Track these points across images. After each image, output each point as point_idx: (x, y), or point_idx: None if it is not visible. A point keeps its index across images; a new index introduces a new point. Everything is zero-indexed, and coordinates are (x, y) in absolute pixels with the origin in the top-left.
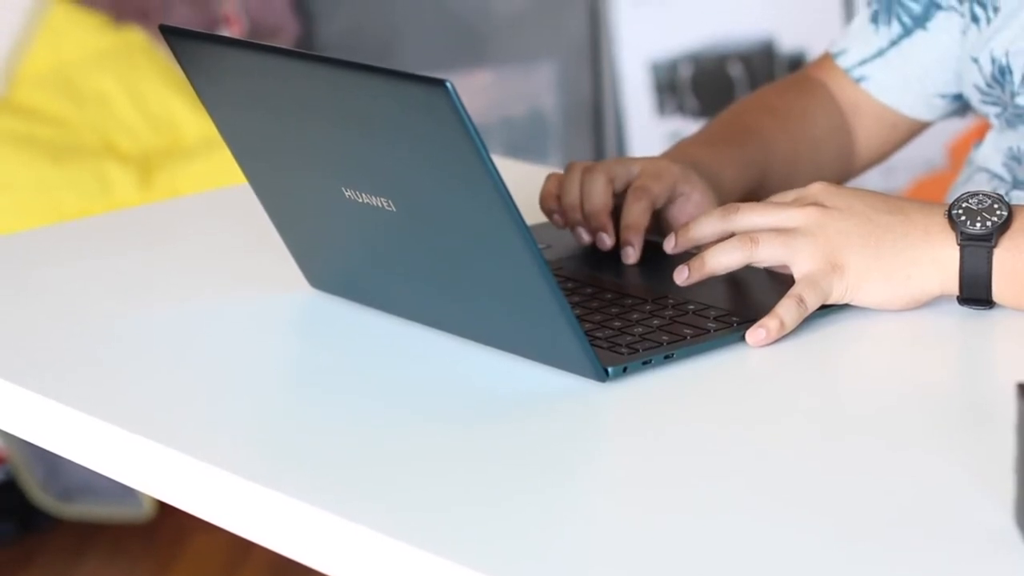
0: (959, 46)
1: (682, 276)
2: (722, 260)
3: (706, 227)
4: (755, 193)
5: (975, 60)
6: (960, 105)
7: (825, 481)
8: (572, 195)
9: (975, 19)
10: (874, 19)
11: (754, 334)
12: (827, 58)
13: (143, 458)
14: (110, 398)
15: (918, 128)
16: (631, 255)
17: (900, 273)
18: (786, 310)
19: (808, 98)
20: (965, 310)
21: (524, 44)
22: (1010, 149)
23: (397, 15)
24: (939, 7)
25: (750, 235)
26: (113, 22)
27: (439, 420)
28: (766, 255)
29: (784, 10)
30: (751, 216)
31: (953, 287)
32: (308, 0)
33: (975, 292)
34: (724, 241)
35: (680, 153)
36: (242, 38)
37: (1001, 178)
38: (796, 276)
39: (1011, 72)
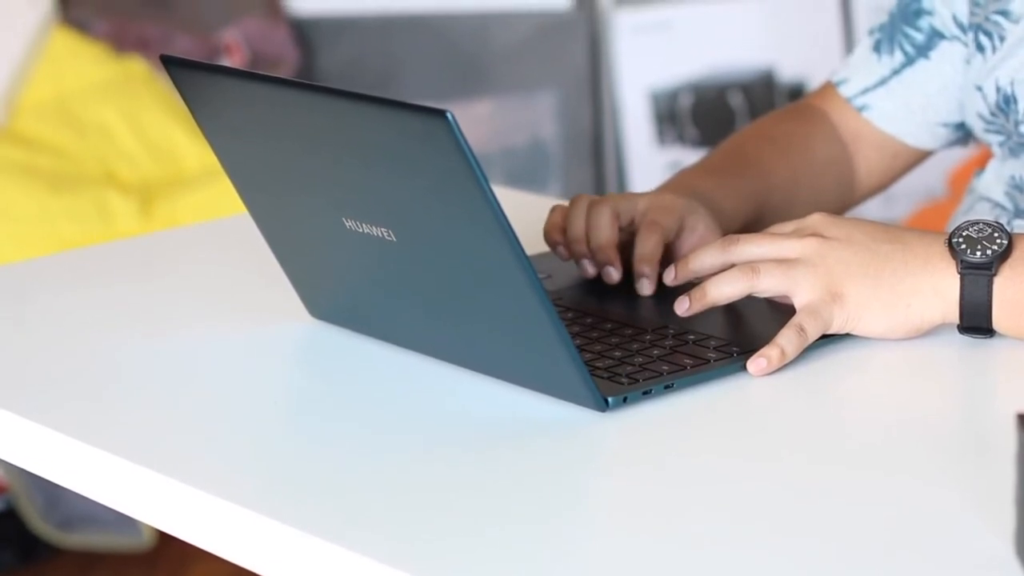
0: (962, 75)
1: (683, 307)
2: (724, 290)
3: (706, 259)
4: (756, 222)
5: (979, 88)
6: (962, 134)
7: (825, 510)
8: (577, 228)
9: (980, 48)
10: (876, 48)
11: (755, 363)
12: (829, 87)
13: (142, 487)
14: (110, 427)
15: (920, 157)
16: (646, 286)
17: (900, 302)
18: (787, 339)
19: (809, 127)
20: (966, 339)
21: (524, 74)
22: (1012, 178)
23: (397, 45)
24: (942, 36)
25: (751, 265)
26: (114, 52)
27: (439, 449)
28: (767, 285)
29: (784, 40)
30: (751, 247)
31: (954, 316)
32: (309, 30)
33: (976, 321)
34: (725, 271)
35: (681, 183)
36: (243, 68)
37: (1003, 207)
38: (797, 306)
39: (1016, 101)
